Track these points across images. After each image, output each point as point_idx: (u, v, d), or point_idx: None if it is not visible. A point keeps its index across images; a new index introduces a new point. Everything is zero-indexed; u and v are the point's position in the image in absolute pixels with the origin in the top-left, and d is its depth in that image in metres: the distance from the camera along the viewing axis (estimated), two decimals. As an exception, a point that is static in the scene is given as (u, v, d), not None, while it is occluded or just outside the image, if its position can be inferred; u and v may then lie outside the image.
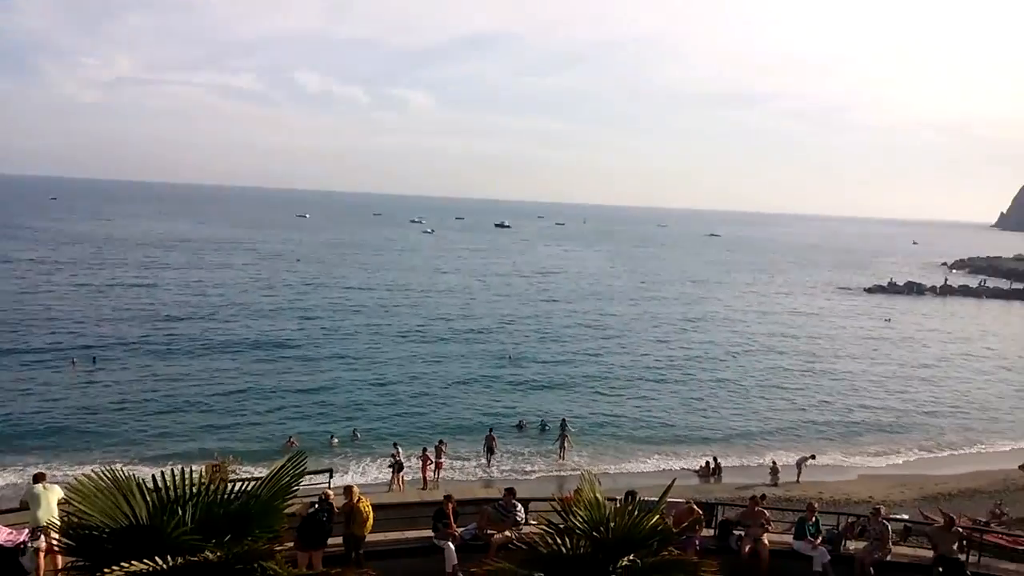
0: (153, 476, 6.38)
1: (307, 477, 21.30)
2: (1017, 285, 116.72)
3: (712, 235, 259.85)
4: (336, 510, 13.55)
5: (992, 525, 23.08)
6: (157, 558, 5.55)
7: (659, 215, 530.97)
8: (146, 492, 6.08)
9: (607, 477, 29.11)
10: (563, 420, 34.79)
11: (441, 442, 30.56)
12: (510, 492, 15.13)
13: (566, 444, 33.32)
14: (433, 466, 29.34)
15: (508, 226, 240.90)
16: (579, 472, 22.94)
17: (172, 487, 6.17)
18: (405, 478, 28.45)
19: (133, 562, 5.44)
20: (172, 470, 6.44)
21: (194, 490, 6.22)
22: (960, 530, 14.84)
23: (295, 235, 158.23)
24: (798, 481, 31.00)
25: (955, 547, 14.04)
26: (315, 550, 12.95)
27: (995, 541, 19.12)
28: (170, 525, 5.82)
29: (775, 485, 30.12)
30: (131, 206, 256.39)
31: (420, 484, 28.48)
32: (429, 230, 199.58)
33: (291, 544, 12.49)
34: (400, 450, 29.34)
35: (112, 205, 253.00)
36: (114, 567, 5.32)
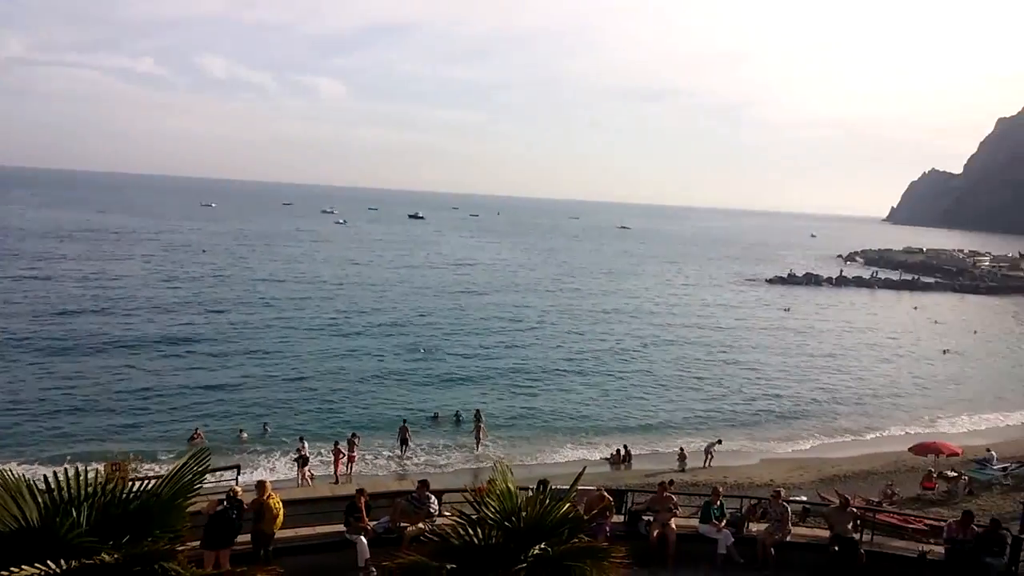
0: (44, 476, 6.08)
1: (216, 474, 20.76)
2: (906, 276, 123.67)
3: (623, 227, 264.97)
4: (245, 507, 13.21)
5: (884, 505, 24.39)
6: (50, 562, 5.30)
7: (572, 207, 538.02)
8: (37, 493, 5.80)
9: (522, 467, 29.38)
10: (477, 411, 34.87)
11: (354, 435, 30.16)
12: (423, 484, 15.09)
13: (481, 435, 33.37)
14: (345, 460, 28.94)
15: (422, 217, 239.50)
16: (493, 463, 23.08)
17: (66, 487, 5.89)
18: (313, 472, 27.93)
19: (24, 567, 5.18)
20: (66, 470, 6.15)
21: (90, 490, 5.96)
22: (854, 510, 15.62)
23: (200, 225, 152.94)
24: (706, 466, 31.96)
25: (850, 526, 14.78)
26: (222, 549, 12.61)
27: (887, 520, 20.18)
28: (63, 527, 5.57)
29: (683, 471, 31.02)
30: (22, 192, 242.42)
31: (332, 478, 28.06)
32: (341, 221, 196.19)
33: (196, 543, 12.12)
34: (305, 444, 28.82)
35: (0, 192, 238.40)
36: (2, 572, 5.06)
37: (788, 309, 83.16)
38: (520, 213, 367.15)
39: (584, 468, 10.37)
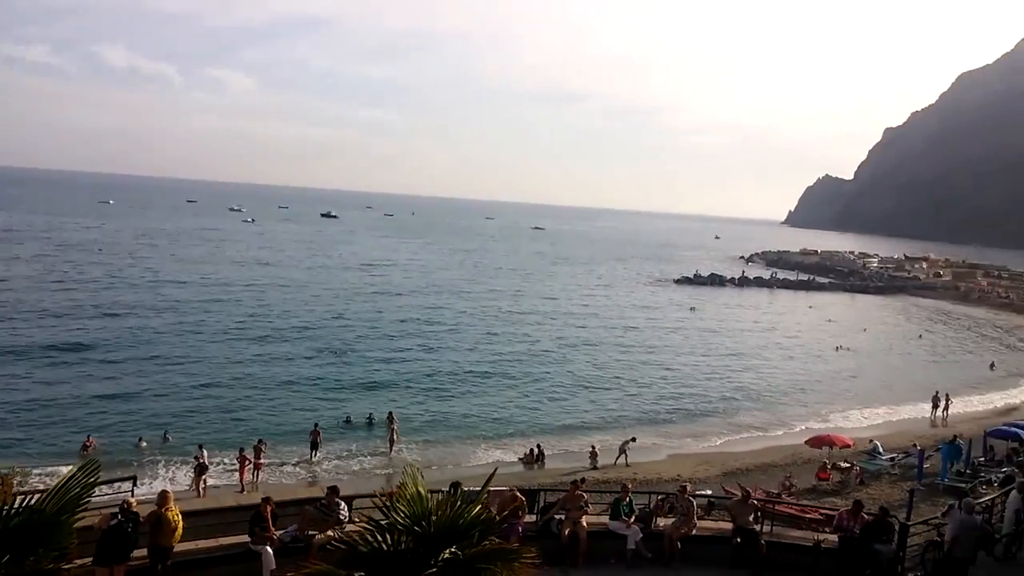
0: (-87, 496, 5.64)
1: (115, 485, 19.75)
2: (803, 276, 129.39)
3: (538, 228, 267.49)
4: (141, 519, 12.63)
5: (783, 496, 25.42)
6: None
7: (486, 208, 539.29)
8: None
9: (436, 470, 29.24)
10: (390, 413, 34.48)
11: (260, 441, 29.30)
12: (333, 490, 14.78)
13: (394, 437, 33.01)
14: (252, 467, 28.09)
15: (335, 216, 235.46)
16: (403, 467, 22.83)
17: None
18: (209, 481, 26.98)
19: None
20: (-62, 488, 5.73)
21: (-35, 509, 5.56)
22: (755, 502, 16.17)
23: (97, 223, 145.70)
24: (624, 463, 32.42)
25: (751, 518, 15.28)
26: (117, 565, 12.01)
27: (785, 511, 21.05)
28: (-65, 550, 5.17)
29: (595, 468, 31.48)
30: None
31: (238, 487, 27.18)
32: (250, 219, 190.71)
33: (88, 560, 11.51)
34: (204, 452, 27.88)
35: None
36: None
37: (694, 308, 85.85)
38: (435, 213, 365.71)
39: (496, 469, 10.39)
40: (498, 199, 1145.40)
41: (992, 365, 61.04)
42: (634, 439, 34.45)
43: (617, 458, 32.85)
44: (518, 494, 15.29)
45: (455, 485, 12.67)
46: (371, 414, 36.63)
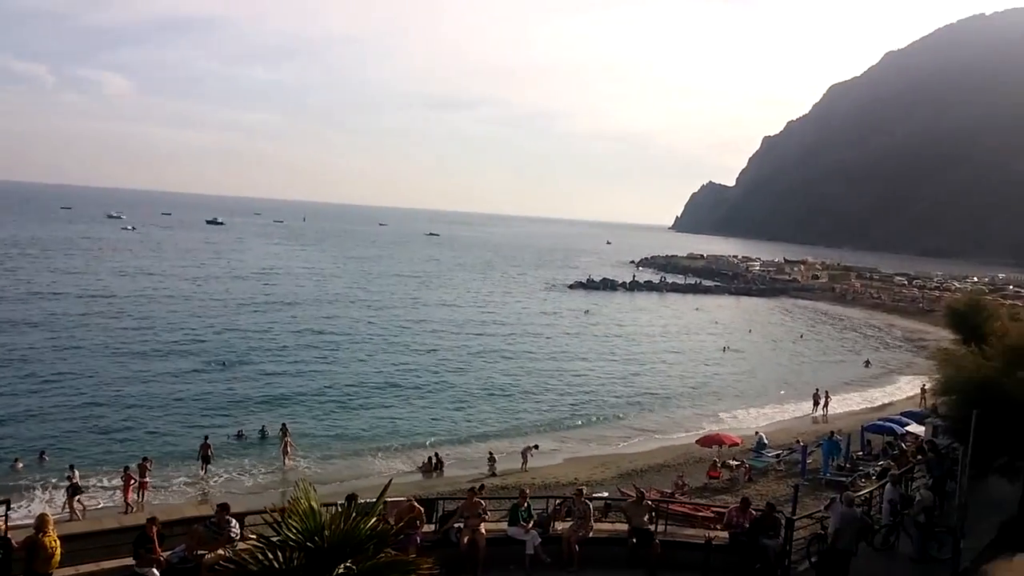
0: None
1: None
2: (690, 280, 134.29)
3: (432, 234, 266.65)
4: (15, 545, 11.79)
5: (676, 495, 26.17)
6: None
7: (380, 214, 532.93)
8: None
9: (332, 484, 28.60)
10: (283, 425, 33.59)
11: (145, 459, 27.90)
12: (223, 508, 14.22)
13: (288, 449, 32.14)
14: (137, 486, 26.72)
15: (222, 223, 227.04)
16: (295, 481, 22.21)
17: None
18: (91, 502, 25.49)
19: None
20: None
21: None
22: (649, 503, 16.61)
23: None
24: (524, 469, 32.70)
25: (646, 519, 15.68)
26: (-15, 598, 11.17)
27: (678, 510, 21.68)
28: None
29: (494, 475, 31.61)
30: None
31: (122, 508, 25.79)
32: (130, 227, 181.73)
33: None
34: (76, 472, 26.41)
35: None
36: None
37: (588, 311, 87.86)
38: (327, 219, 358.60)
39: (391, 480, 10.26)
40: (391, 205, 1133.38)
41: (867, 363, 65.00)
42: (536, 446, 34.68)
43: (523, 464, 33.05)
44: (416, 504, 15.16)
45: (351, 498, 12.44)
46: (264, 427, 35.48)
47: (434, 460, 32.82)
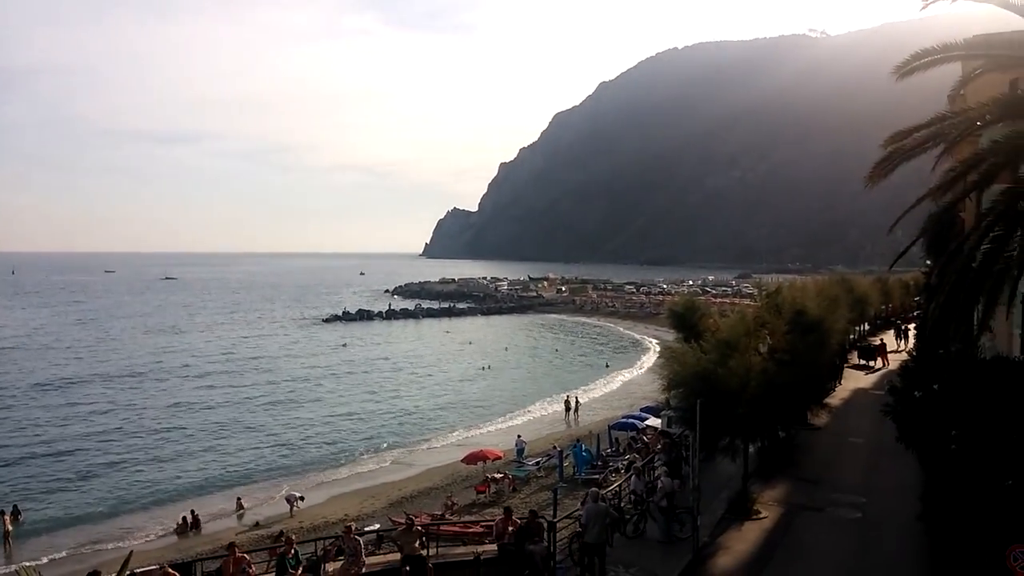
0: None
1: None
2: (444, 304, 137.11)
3: (168, 278, 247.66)
4: None
5: (446, 516, 26.45)
6: None
7: (104, 260, 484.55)
8: None
9: (66, 561, 25.47)
10: (14, 506, 30.37)
11: None
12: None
13: (7, 529, 28.37)
14: None
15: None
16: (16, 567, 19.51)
17: None
18: None
19: None
20: None
21: None
22: (419, 528, 16.61)
23: None
24: (292, 515, 31.24)
25: (417, 544, 15.66)
26: None
27: (450, 530, 21.88)
28: None
29: (257, 526, 29.90)
30: None
31: None
32: None
33: None
34: None
35: None
36: None
37: (345, 344, 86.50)
38: (39, 270, 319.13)
39: (131, 551, 9.27)
40: (116, 249, 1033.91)
41: (607, 365, 70.33)
42: (302, 497, 32.77)
43: (291, 510, 31.59)
44: (170, 571, 13.94)
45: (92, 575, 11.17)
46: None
47: (189, 519, 30.38)
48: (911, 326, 45.33)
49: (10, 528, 28.84)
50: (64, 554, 27.56)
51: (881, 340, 43.38)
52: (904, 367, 14.36)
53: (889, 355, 39.79)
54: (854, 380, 35.71)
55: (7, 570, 26.04)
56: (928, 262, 30.67)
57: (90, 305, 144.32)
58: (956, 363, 12.14)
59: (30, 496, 33.79)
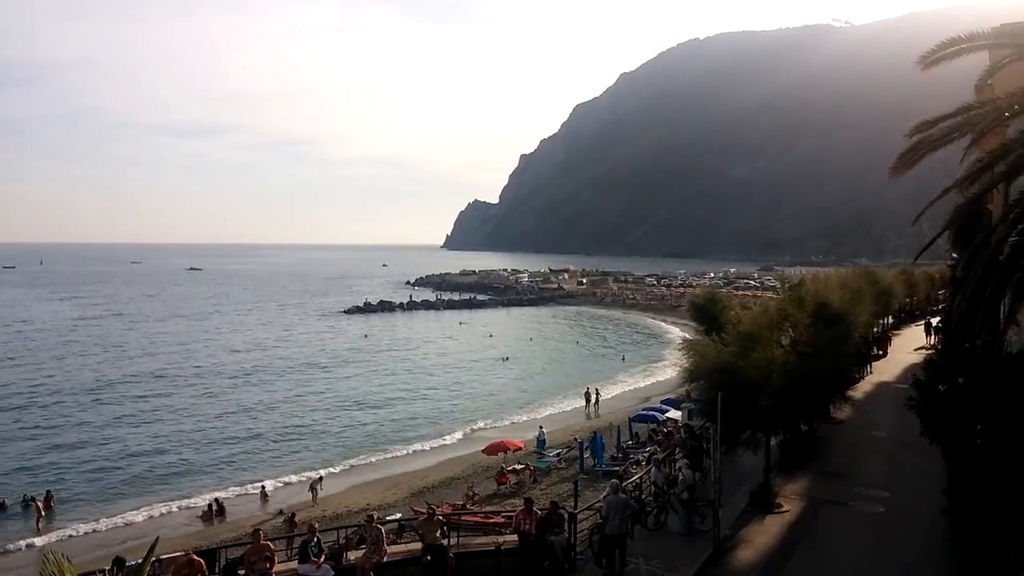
0: None
1: None
2: (465, 296, 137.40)
3: (193, 269, 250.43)
4: None
5: (467, 506, 26.61)
6: None
7: (131, 251, 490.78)
8: None
9: (94, 547, 25.99)
10: (47, 492, 31.07)
11: None
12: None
13: (40, 515, 29.30)
14: None
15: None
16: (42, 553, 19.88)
17: None
18: None
19: None
20: None
21: None
22: (440, 518, 16.72)
23: None
24: (315, 503, 31.53)
25: (438, 534, 15.77)
26: None
27: (471, 520, 22.00)
28: None
29: (280, 513, 30.23)
30: None
31: None
32: None
33: None
34: None
35: None
36: None
37: (367, 336, 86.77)
38: (68, 262, 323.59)
39: (158, 537, 9.42)
40: (143, 241, 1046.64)
41: (623, 359, 70.18)
42: (321, 478, 33.59)
43: (313, 498, 31.92)
44: (195, 557, 14.13)
45: (117, 562, 11.37)
46: (27, 495, 31.70)
47: (214, 506, 30.85)
48: (935, 320, 44.68)
49: (43, 514, 29.44)
50: (91, 541, 27.98)
51: (887, 332, 43.50)
52: (928, 361, 14.23)
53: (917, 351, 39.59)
54: (877, 373, 35.41)
55: (36, 555, 26.53)
56: (954, 255, 30.15)
57: (119, 296, 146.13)
58: (982, 357, 12.00)
59: (61, 483, 34.35)
